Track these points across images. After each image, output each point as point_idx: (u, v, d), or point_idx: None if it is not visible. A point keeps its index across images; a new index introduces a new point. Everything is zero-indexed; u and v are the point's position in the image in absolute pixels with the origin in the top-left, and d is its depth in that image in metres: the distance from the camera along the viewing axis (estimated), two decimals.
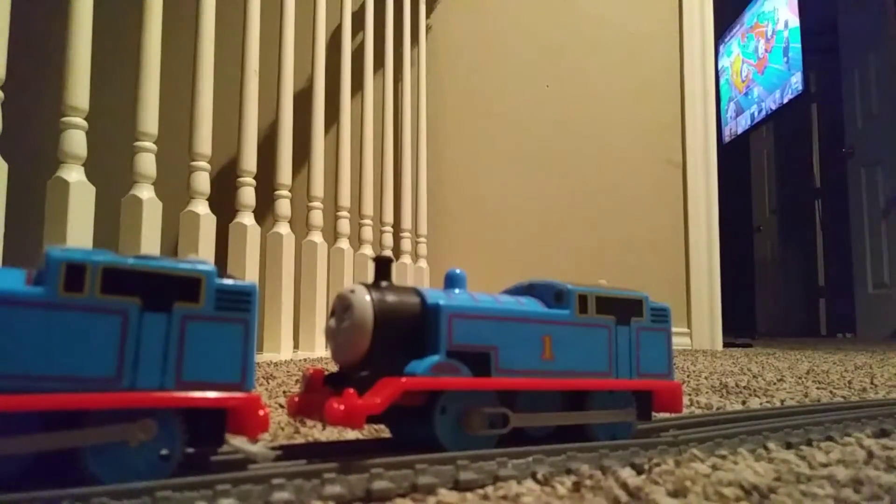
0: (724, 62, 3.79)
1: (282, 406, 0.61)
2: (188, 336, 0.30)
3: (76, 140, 0.87)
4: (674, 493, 0.32)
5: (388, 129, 1.86)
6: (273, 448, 0.35)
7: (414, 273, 1.89)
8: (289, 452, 0.35)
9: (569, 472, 0.36)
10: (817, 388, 0.86)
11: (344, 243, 1.58)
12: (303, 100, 1.53)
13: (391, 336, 0.37)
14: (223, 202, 1.23)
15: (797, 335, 3.98)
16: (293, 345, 1.39)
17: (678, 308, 2.09)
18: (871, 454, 0.42)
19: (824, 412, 0.55)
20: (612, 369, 0.43)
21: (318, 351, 1.45)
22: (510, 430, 0.38)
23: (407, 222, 1.89)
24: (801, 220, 4.25)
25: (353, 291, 0.37)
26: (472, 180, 2.18)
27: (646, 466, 0.37)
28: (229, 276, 0.32)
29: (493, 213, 2.17)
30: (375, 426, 0.48)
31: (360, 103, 1.73)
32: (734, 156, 3.81)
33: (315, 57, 1.52)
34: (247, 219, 1.24)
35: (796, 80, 2.95)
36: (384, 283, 0.38)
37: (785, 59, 3.05)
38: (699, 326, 2.11)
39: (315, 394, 0.37)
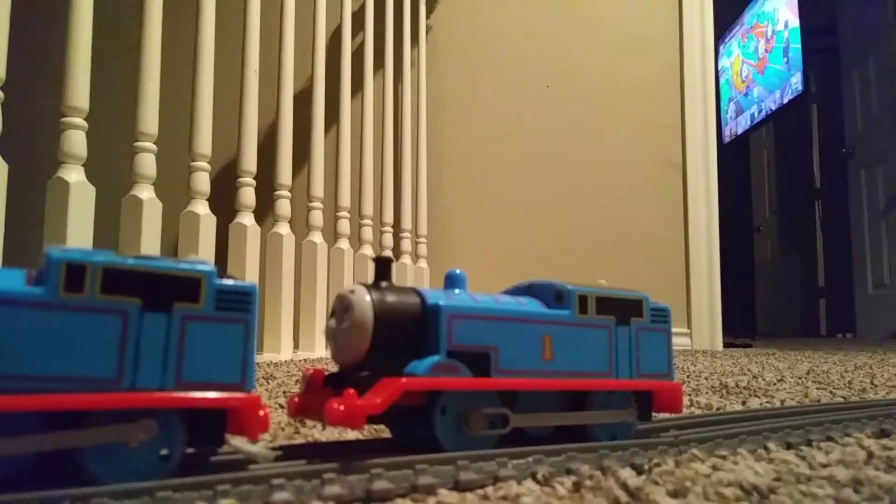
0: (724, 62, 3.79)
1: (282, 406, 0.61)
2: (188, 336, 0.30)
3: (76, 140, 0.87)
4: (674, 494, 0.32)
5: (388, 129, 1.86)
6: (273, 448, 0.35)
7: (414, 273, 1.89)
8: (289, 452, 0.35)
9: (569, 472, 0.36)
10: (817, 389, 0.86)
11: (344, 243, 1.58)
12: (303, 100, 1.53)
13: (391, 336, 0.37)
14: (223, 202, 1.23)
15: (797, 335, 3.98)
16: (293, 345, 1.39)
17: (678, 308, 2.09)
18: (871, 454, 0.42)
19: (824, 412, 0.55)
20: (612, 370, 0.43)
21: (318, 351, 1.45)
22: (510, 430, 0.38)
23: (407, 222, 1.89)
24: (801, 220, 4.25)
25: (352, 292, 0.37)
26: (472, 180, 2.18)
27: (646, 467, 0.37)
28: (229, 277, 0.32)
29: (493, 213, 2.17)
30: (375, 426, 0.48)
31: (360, 103, 1.73)
32: (734, 156, 3.80)
33: (315, 57, 1.52)
34: (247, 219, 1.24)
35: (796, 81, 2.95)
36: (384, 284, 0.38)
37: (785, 59, 3.05)
38: (699, 327, 2.11)
39: (315, 394, 0.37)
